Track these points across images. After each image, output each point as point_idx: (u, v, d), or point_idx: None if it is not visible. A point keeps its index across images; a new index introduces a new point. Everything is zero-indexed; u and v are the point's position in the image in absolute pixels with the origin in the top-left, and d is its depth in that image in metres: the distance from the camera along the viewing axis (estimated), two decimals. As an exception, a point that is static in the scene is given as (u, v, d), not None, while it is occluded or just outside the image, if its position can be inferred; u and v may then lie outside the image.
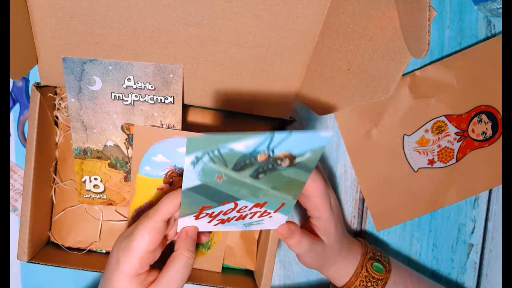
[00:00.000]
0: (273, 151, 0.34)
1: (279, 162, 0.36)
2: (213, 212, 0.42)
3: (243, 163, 0.36)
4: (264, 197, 0.40)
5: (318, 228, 0.51)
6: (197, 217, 0.43)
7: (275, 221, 0.45)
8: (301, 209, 0.61)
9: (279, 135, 0.33)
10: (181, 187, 0.38)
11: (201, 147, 0.34)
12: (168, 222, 0.44)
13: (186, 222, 0.44)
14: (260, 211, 0.43)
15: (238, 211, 0.42)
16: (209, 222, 0.44)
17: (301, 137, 0.33)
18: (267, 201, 0.41)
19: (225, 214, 0.43)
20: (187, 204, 0.41)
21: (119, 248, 0.43)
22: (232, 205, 0.41)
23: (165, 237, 0.45)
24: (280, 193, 0.40)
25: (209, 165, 0.35)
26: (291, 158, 0.35)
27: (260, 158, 0.35)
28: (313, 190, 0.50)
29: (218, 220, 0.44)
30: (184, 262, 0.43)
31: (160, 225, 0.42)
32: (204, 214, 0.42)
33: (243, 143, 0.33)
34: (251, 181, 0.38)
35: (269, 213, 0.43)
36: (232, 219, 0.44)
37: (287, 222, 0.49)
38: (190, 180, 0.37)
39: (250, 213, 0.43)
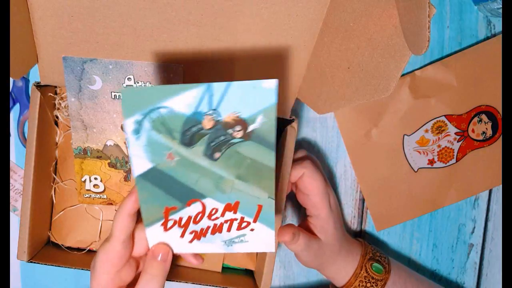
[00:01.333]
0: (218, 113, 0.32)
1: (230, 131, 0.33)
2: (181, 219, 0.39)
3: (190, 132, 0.33)
4: (233, 193, 0.37)
5: (316, 226, 0.51)
6: (165, 228, 0.39)
7: (260, 237, 0.40)
8: (299, 207, 0.61)
9: (218, 87, 0.31)
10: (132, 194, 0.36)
11: (138, 105, 0.31)
12: (131, 239, 0.41)
13: (156, 236, 0.40)
14: (236, 219, 0.39)
15: (209, 217, 0.39)
16: (182, 236, 0.40)
17: (242, 88, 0.31)
18: (238, 200, 0.38)
19: (195, 222, 0.39)
20: (147, 205, 0.38)
21: (92, 263, 0.42)
22: (199, 206, 0.38)
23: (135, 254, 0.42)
24: (249, 186, 0.37)
25: (154, 135, 0.33)
26: (243, 124, 0.33)
27: (207, 123, 0.32)
28: (312, 188, 0.50)
29: (191, 234, 0.40)
30: None
31: (118, 248, 0.39)
32: (172, 222, 0.39)
33: (182, 100, 0.31)
34: (209, 165, 0.35)
35: (249, 223, 0.39)
36: (207, 231, 0.40)
37: (288, 225, 0.49)
38: (139, 159, 0.34)
39: (226, 222, 0.39)
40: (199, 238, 0.41)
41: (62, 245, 0.54)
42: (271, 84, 0.30)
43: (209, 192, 0.37)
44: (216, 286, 0.52)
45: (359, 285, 0.53)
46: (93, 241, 0.55)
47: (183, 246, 0.41)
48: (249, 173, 0.36)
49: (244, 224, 0.39)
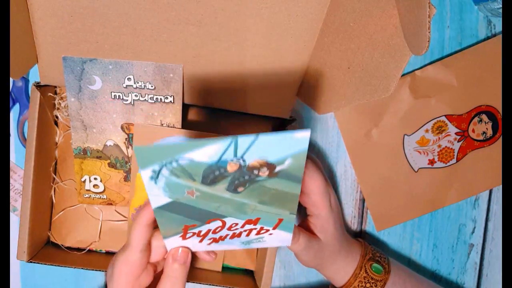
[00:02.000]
0: (243, 160, 0.30)
1: (256, 172, 0.31)
2: (200, 232, 0.38)
3: (212, 175, 0.31)
4: (254, 213, 0.36)
5: (316, 226, 0.51)
6: (184, 237, 0.39)
7: (278, 238, 0.41)
8: (299, 207, 0.61)
9: (244, 140, 0.28)
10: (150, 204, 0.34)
11: (154, 160, 0.30)
12: (148, 247, 0.41)
13: (174, 243, 0.40)
14: (255, 228, 0.39)
15: (229, 229, 0.38)
16: (200, 242, 0.40)
17: (272, 141, 0.29)
18: (260, 217, 0.37)
19: (215, 232, 0.38)
20: (165, 225, 0.37)
21: (109, 272, 0.42)
22: (219, 223, 0.37)
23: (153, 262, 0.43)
24: (272, 207, 0.36)
25: (173, 179, 0.31)
26: (270, 167, 0.31)
27: (231, 168, 0.30)
28: (313, 188, 0.50)
29: (210, 240, 0.40)
30: None
31: (135, 258, 0.40)
32: (191, 234, 0.39)
33: (203, 152, 0.29)
34: (231, 196, 0.33)
35: (268, 230, 0.39)
36: (225, 237, 0.40)
37: None
38: (156, 197, 0.33)
39: (245, 231, 0.39)
40: (217, 242, 0.41)
41: (62, 245, 0.54)
42: (304, 134, 0.28)
43: (230, 214, 0.36)
44: (216, 286, 0.52)
45: (358, 285, 0.53)
46: (93, 241, 0.55)
47: (200, 247, 0.41)
48: (273, 200, 0.35)
49: (263, 231, 0.39)
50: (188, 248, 0.41)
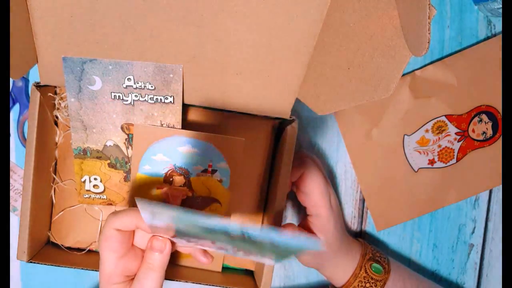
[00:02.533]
0: (249, 236, 0.30)
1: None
2: (189, 239, 0.40)
3: (214, 232, 0.32)
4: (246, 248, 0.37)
5: (316, 226, 0.51)
6: (172, 237, 0.41)
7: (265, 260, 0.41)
8: (299, 207, 0.61)
9: (253, 232, 0.29)
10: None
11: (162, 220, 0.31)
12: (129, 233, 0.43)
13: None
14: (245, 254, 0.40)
15: (219, 248, 0.39)
16: (188, 242, 0.41)
17: (281, 241, 0.29)
18: (250, 252, 0.38)
19: (203, 245, 0.40)
20: (155, 229, 0.38)
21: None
22: (208, 242, 0.38)
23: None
24: (264, 252, 0.36)
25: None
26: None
27: (235, 237, 0.31)
28: (313, 187, 0.50)
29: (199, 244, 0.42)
30: (145, 281, 0.41)
31: (112, 233, 0.41)
32: (180, 238, 0.40)
33: (207, 222, 0.30)
34: (225, 238, 0.34)
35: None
36: (213, 246, 0.41)
37: (288, 225, 0.49)
38: (154, 221, 0.35)
39: (233, 251, 0.40)
40: (204, 246, 0.42)
41: (62, 245, 0.54)
42: (316, 244, 0.29)
43: (221, 241, 0.37)
44: (216, 286, 0.52)
45: (358, 285, 0.53)
46: (92, 241, 0.55)
47: (189, 245, 0.42)
48: (271, 252, 0.35)
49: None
50: (168, 239, 0.42)
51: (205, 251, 0.46)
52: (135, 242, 0.44)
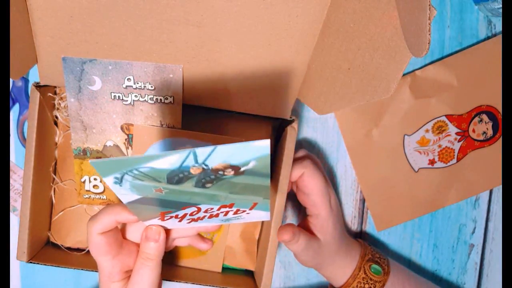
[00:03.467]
0: (206, 164, 0.30)
1: (221, 172, 0.31)
2: (177, 215, 0.39)
3: (177, 177, 0.32)
4: (228, 200, 0.37)
5: (316, 226, 0.51)
6: (162, 219, 0.40)
7: (255, 216, 0.42)
8: (299, 207, 0.61)
9: (202, 151, 0.29)
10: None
11: (113, 170, 0.30)
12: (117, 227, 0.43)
13: (153, 224, 0.42)
14: (232, 210, 0.40)
15: (205, 212, 0.39)
16: (180, 221, 0.41)
17: (231, 149, 0.29)
18: (233, 203, 0.38)
19: (192, 215, 0.40)
20: (141, 213, 0.38)
21: None
22: (194, 208, 0.38)
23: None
24: (244, 196, 0.36)
25: (137, 182, 0.32)
26: (234, 168, 0.31)
27: (194, 171, 0.31)
28: (313, 188, 0.50)
29: (189, 220, 0.41)
30: (142, 272, 0.42)
31: (97, 239, 0.41)
32: (169, 217, 0.40)
33: (163, 161, 0.29)
34: (200, 190, 0.34)
35: (244, 211, 0.40)
36: (204, 217, 0.41)
37: (288, 225, 0.49)
38: (125, 195, 0.34)
39: (222, 212, 0.40)
40: (196, 221, 0.42)
41: (62, 245, 0.54)
42: (264, 143, 0.28)
43: (203, 202, 0.37)
44: (216, 286, 0.52)
45: (357, 286, 0.53)
46: (93, 241, 0.55)
47: (179, 225, 0.43)
48: (244, 190, 0.35)
49: (240, 212, 0.40)
50: (161, 226, 0.42)
51: (202, 237, 0.47)
52: (128, 237, 0.44)
